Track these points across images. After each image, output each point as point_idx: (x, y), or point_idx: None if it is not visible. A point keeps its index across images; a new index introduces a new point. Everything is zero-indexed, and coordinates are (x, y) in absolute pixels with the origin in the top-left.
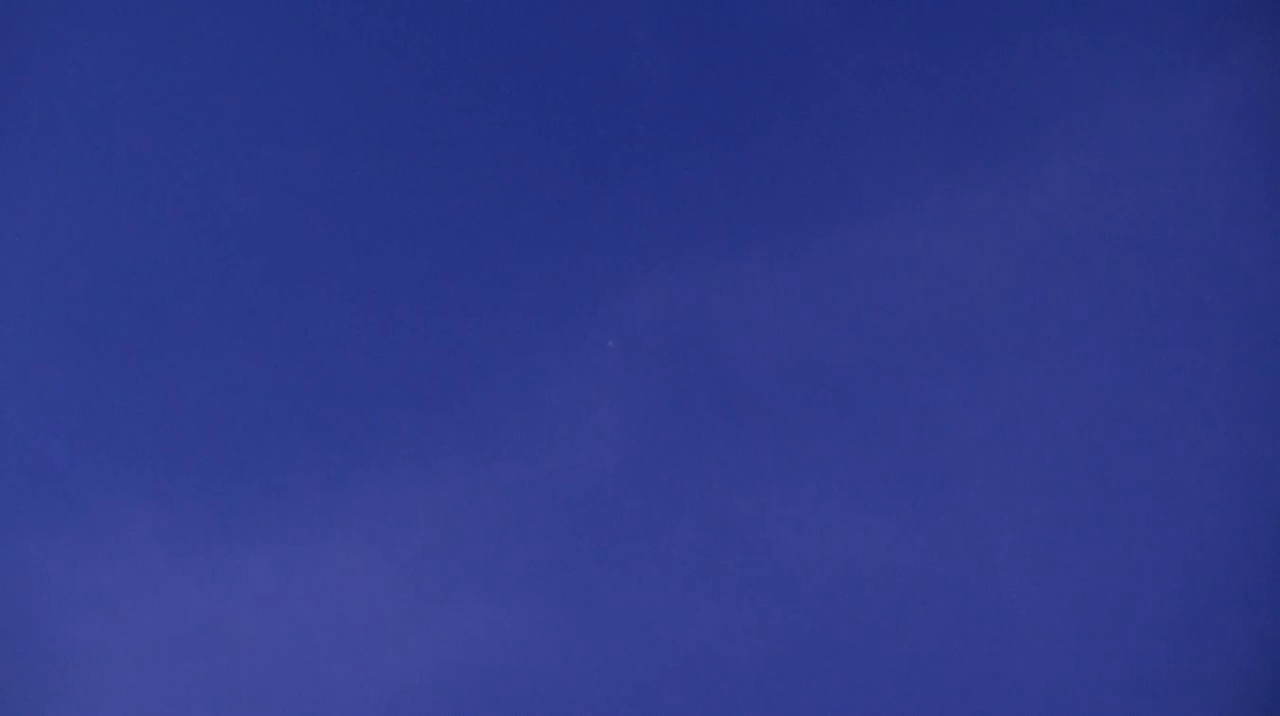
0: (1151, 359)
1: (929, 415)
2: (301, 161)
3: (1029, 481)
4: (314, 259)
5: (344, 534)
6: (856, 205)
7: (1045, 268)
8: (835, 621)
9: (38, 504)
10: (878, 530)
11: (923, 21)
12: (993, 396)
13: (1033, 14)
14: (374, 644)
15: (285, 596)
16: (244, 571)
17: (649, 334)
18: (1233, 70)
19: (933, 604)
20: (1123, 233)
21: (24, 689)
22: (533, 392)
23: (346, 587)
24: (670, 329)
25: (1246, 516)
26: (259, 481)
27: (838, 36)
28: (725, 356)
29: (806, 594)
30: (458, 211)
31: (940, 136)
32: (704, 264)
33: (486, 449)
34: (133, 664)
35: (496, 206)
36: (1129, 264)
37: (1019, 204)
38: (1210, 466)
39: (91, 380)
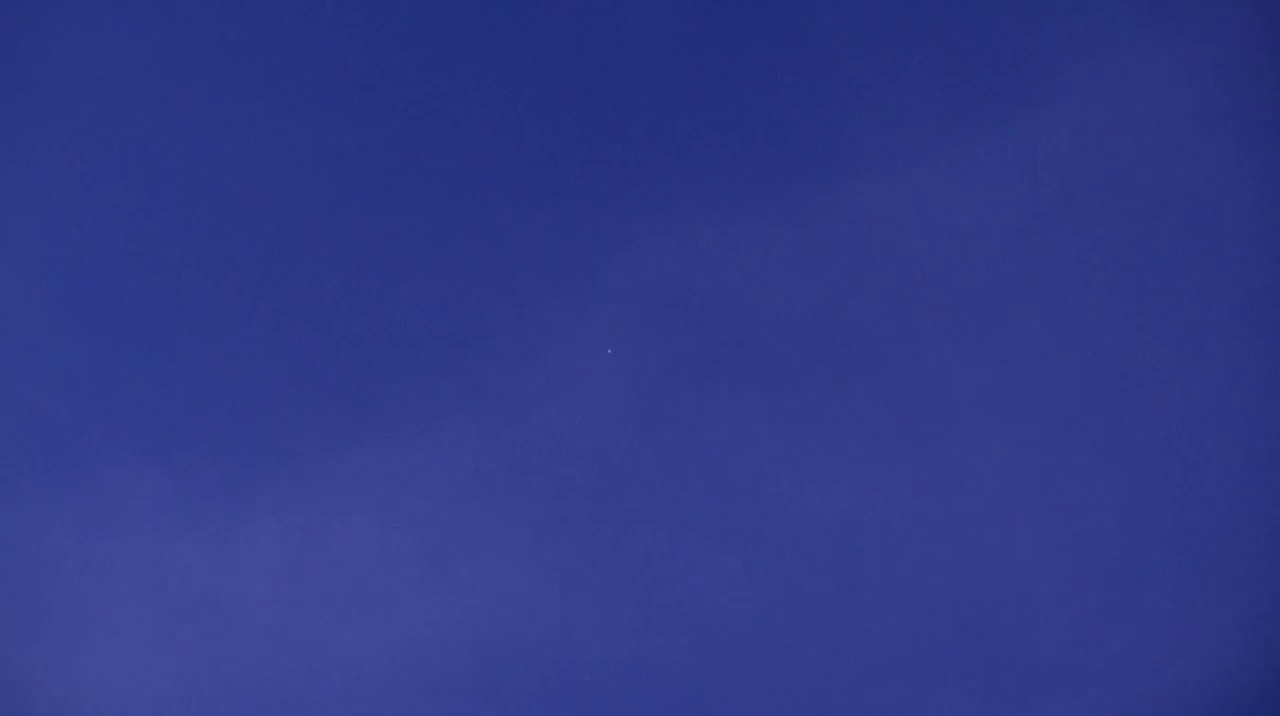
0: (1154, 309)
1: (932, 369)
2: (305, 129)
3: (1031, 432)
4: (319, 227)
5: (351, 496)
6: (857, 163)
7: (1046, 221)
8: (840, 572)
9: (48, 471)
10: (882, 482)
11: None
12: (995, 349)
13: None
14: (383, 605)
15: (294, 559)
16: (253, 535)
17: (652, 293)
18: (1231, 20)
19: (936, 554)
20: (1124, 184)
21: (34, 652)
22: (537, 354)
23: (355, 549)
24: (673, 288)
25: (1251, 464)
26: (266, 446)
27: None
28: (729, 314)
29: (811, 546)
30: (461, 175)
31: (940, 93)
32: (706, 223)
33: (492, 410)
34: (143, 628)
35: (499, 169)
36: (1130, 215)
37: (1019, 159)
38: (1214, 414)
39: (100, 349)
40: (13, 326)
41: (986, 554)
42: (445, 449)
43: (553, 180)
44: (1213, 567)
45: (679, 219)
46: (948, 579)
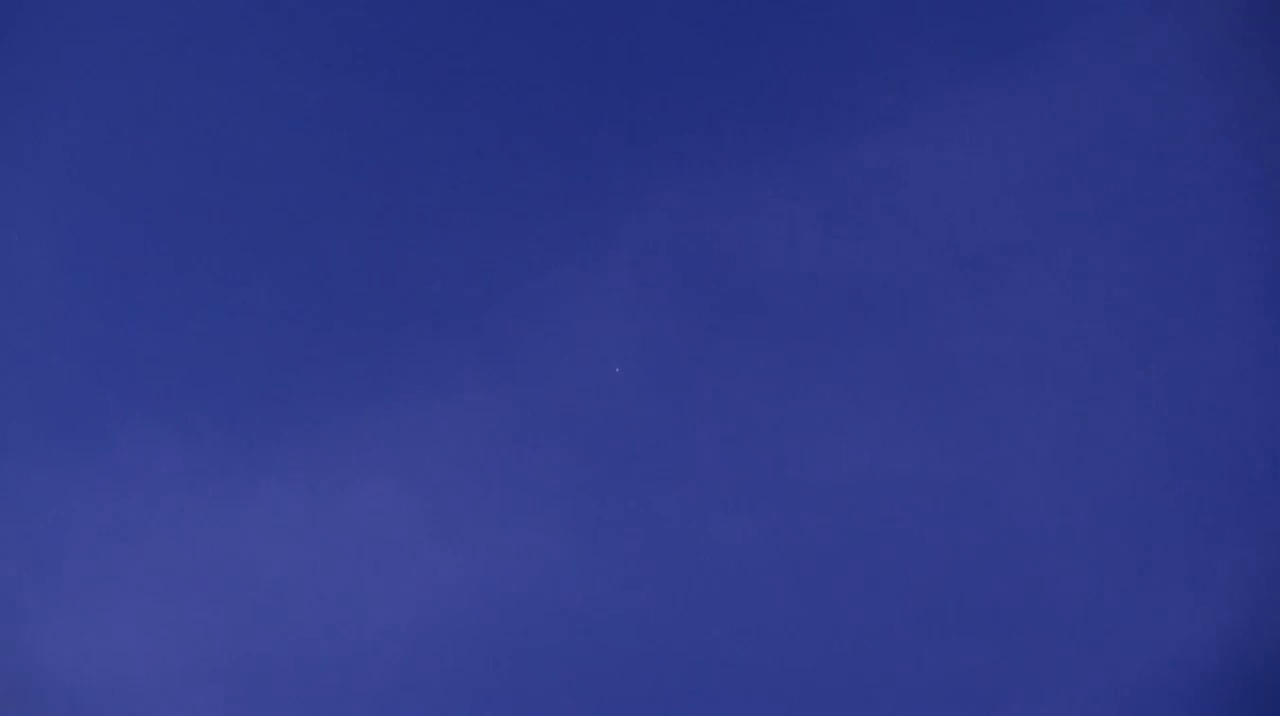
0: (1166, 264)
1: (944, 324)
2: (314, 90)
3: (1044, 387)
4: (329, 183)
5: (365, 459)
6: (868, 118)
7: (1058, 176)
8: (853, 530)
9: (60, 436)
10: (895, 439)
11: None
12: (1009, 307)
13: None
14: (397, 567)
15: (308, 522)
16: (266, 499)
17: (665, 250)
18: None
19: (950, 510)
20: (1136, 140)
21: (49, 618)
22: (549, 312)
23: (369, 512)
24: (686, 245)
25: (1262, 417)
26: (280, 410)
27: None
28: (741, 272)
29: (825, 504)
30: (471, 130)
31: (951, 47)
32: (718, 180)
33: (504, 369)
34: (157, 592)
35: (510, 124)
36: (1142, 170)
37: (1031, 113)
38: (1231, 371)
39: (111, 307)
40: (24, 293)
41: (1000, 511)
42: (460, 411)
43: (564, 142)
44: (1228, 528)
45: (693, 180)
46: (962, 536)
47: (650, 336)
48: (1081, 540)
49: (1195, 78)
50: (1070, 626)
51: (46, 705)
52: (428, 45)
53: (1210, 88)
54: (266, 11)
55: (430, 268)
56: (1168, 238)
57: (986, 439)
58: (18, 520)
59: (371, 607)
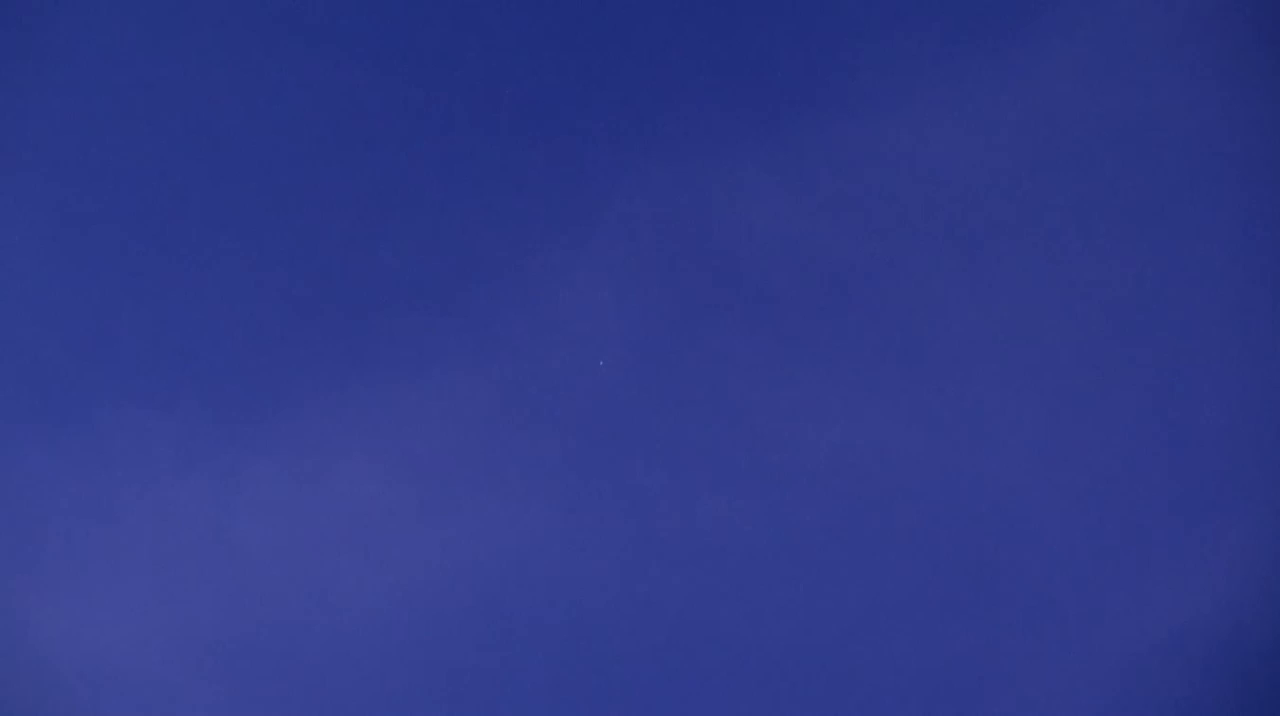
0: (1151, 242)
1: (930, 305)
2: (300, 67)
3: (1030, 369)
4: (315, 170)
5: (351, 438)
6: (855, 100)
7: (1044, 157)
8: (840, 510)
9: (46, 414)
10: (881, 419)
11: None
12: (993, 284)
13: None
14: (383, 547)
15: (294, 502)
16: (251, 478)
17: (651, 232)
18: None
19: (936, 489)
20: (1120, 123)
21: (35, 599)
22: (537, 292)
23: (354, 493)
24: (671, 226)
25: (1245, 399)
26: (265, 390)
27: None
28: (728, 252)
29: (812, 483)
30: (459, 112)
31: (939, 29)
32: (704, 161)
33: (491, 351)
34: (144, 573)
35: (497, 106)
36: (1126, 153)
37: (1016, 96)
38: (1211, 346)
39: (97, 291)
40: (10, 273)
41: (986, 488)
42: (445, 390)
43: (550, 120)
44: (1210, 497)
45: (678, 157)
46: (947, 513)
47: (636, 317)
48: (1070, 520)
49: (1183, 61)
50: (1059, 604)
51: (34, 683)
52: (412, 26)
53: (1198, 70)
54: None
55: (415, 248)
56: (1155, 220)
57: (974, 420)
58: (4, 501)
59: (357, 586)
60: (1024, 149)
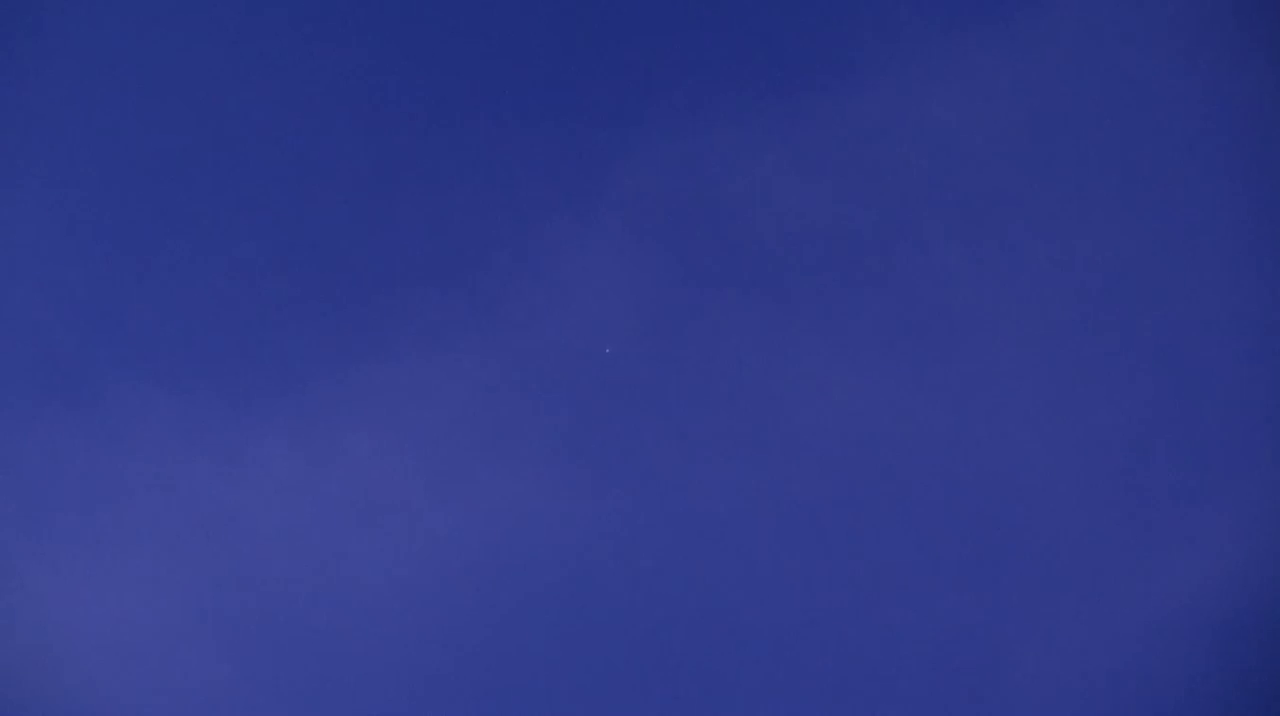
0: (1155, 212)
1: (935, 276)
2: (308, 47)
3: (1034, 341)
4: (322, 147)
5: (358, 413)
6: (858, 70)
7: (1046, 127)
8: (845, 478)
9: (56, 393)
10: (886, 389)
11: None
12: (998, 256)
13: None
14: (391, 520)
15: (301, 477)
16: (259, 454)
17: (656, 203)
18: None
19: (940, 460)
20: (1129, 93)
21: (43, 573)
22: (541, 265)
23: (361, 465)
24: (676, 198)
25: (1247, 368)
26: (273, 365)
27: None
28: (732, 224)
29: (816, 453)
30: (462, 88)
31: (943, 1)
32: (708, 135)
33: (497, 323)
34: (152, 547)
35: (501, 81)
36: (1135, 125)
37: (1022, 64)
38: (1216, 318)
39: (105, 271)
40: (18, 251)
41: (990, 459)
42: (451, 364)
43: (554, 95)
44: (1213, 470)
45: (681, 131)
46: (951, 484)
47: (641, 289)
48: (1070, 486)
49: (1183, 28)
50: (1059, 570)
51: (42, 657)
52: (418, 10)
53: (1198, 44)
54: None
55: (421, 224)
56: (1156, 188)
57: (975, 387)
58: (11, 477)
59: (364, 561)
60: (1028, 120)
